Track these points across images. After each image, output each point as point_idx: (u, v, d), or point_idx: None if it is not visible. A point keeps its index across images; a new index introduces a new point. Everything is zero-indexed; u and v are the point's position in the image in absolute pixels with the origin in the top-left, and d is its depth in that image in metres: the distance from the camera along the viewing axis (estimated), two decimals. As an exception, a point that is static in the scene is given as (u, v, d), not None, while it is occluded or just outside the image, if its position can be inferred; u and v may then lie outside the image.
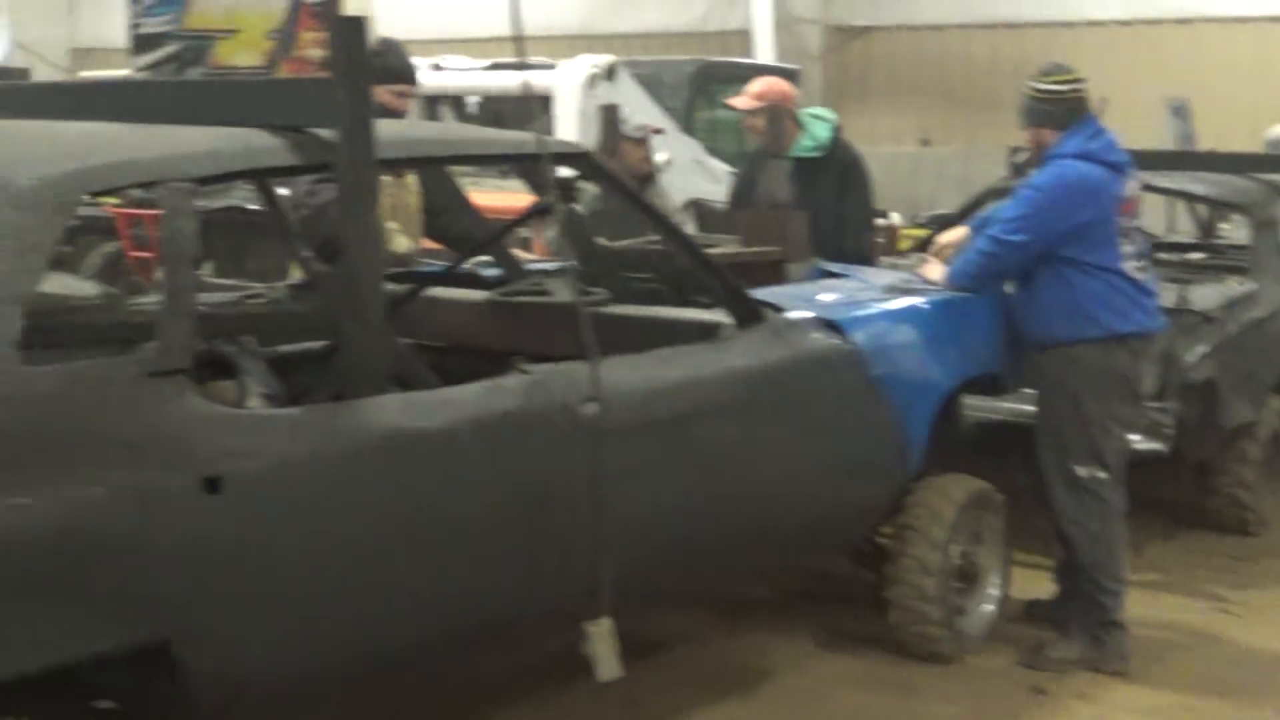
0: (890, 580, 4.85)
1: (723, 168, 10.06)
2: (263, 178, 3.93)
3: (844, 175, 6.29)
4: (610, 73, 9.26)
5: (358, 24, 3.25)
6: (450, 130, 4.51)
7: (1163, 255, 7.10)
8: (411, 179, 5.57)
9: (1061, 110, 4.98)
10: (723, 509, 4.03)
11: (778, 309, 4.42)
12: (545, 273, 4.89)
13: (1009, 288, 5.11)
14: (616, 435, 3.62)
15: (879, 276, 5.43)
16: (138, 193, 9.84)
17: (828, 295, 4.92)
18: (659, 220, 4.22)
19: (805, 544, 4.60)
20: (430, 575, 3.33)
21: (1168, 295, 5.68)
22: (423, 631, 3.36)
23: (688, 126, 9.95)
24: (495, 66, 10.90)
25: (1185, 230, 9.04)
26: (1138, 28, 16.28)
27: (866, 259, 6.11)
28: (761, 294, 4.48)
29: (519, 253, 5.52)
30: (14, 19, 18.42)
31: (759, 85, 6.43)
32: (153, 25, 5.21)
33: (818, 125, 6.30)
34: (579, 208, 5.31)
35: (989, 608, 5.12)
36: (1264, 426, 6.44)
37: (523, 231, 6.44)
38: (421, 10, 17.09)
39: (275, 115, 3.41)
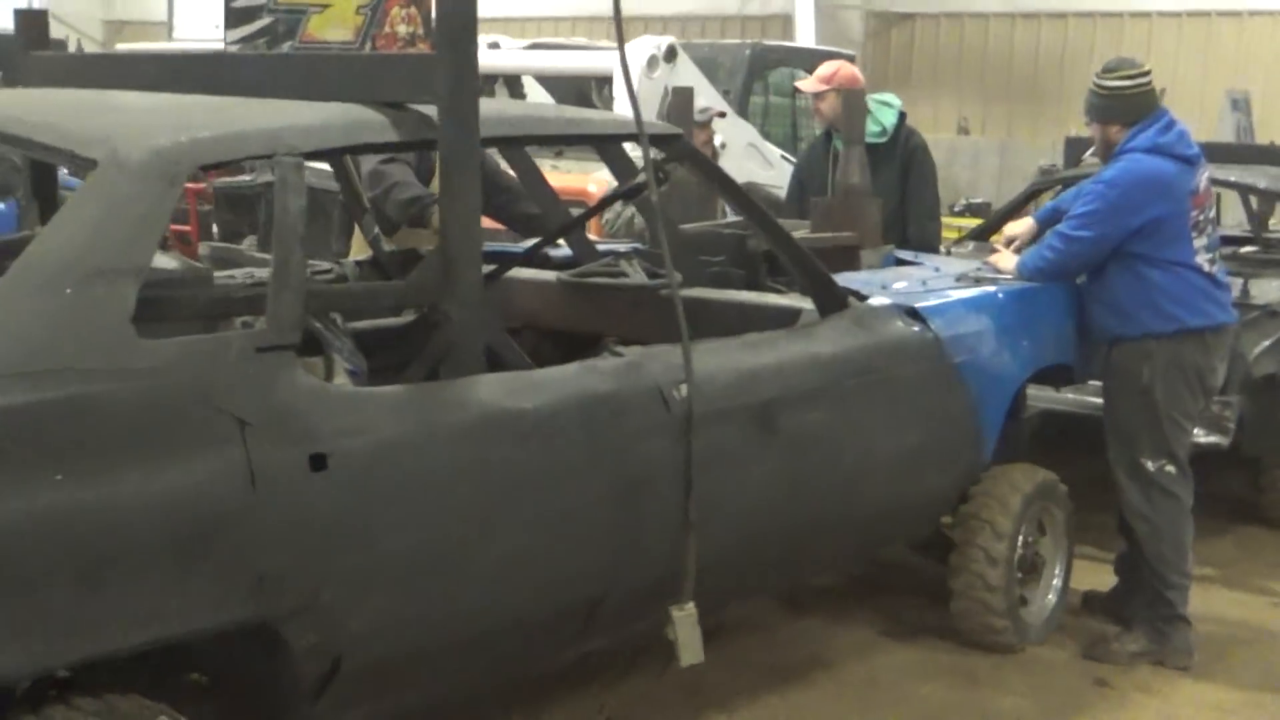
0: (955, 570, 4.84)
1: (776, 152, 10.03)
2: (365, 153, 3.92)
3: (909, 162, 6.27)
4: (670, 54, 9.22)
5: (465, 1, 3.24)
6: (548, 110, 4.48)
7: (1217, 249, 7.06)
8: None
9: (1129, 105, 4.95)
10: (805, 497, 4.02)
11: (861, 296, 4.41)
12: (618, 254, 4.88)
13: (1080, 279, 5.10)
14: (705, 420, 3.62)
15: (950, 265, 5.42)
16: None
17: (902, 283, 4.91)
18: (748, 204, 4.21)
19: (881, 533, 4.59)
20: (522, 555, 3.33)
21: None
22: (512, 611, 3.36)
23: (742, 110, 9.92)
24: (534, 46, 10.89)
25: (1234, 224, 8.99)
26: (1184, 19, 16.19)
27: (931, 246, 6.10)
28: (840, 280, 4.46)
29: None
30: (49, -9, 18.48)
31: (827, 69, 6.41)
32: (246, -1, 5.21)
33: (884, 111, 6.28)
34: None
35: (1051, 599, 5.11)
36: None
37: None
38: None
39: (379, 91, 3.40)
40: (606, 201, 4.63)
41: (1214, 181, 5.32)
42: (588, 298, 4.66)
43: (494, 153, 4.93)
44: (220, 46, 5.42)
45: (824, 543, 4.28)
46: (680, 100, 6.20)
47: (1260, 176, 7.11)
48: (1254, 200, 7.89)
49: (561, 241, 4.97)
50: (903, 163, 6.25)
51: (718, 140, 8.47)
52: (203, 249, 7.60)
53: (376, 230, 5.01)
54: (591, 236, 5.95)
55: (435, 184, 5.34)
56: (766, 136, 10.06)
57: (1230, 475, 6.45)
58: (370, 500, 3.04)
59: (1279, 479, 6.45)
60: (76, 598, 2.64)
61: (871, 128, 6.20)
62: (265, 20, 4.93)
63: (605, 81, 9.49)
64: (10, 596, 2.56)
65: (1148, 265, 4.88)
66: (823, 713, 4.50)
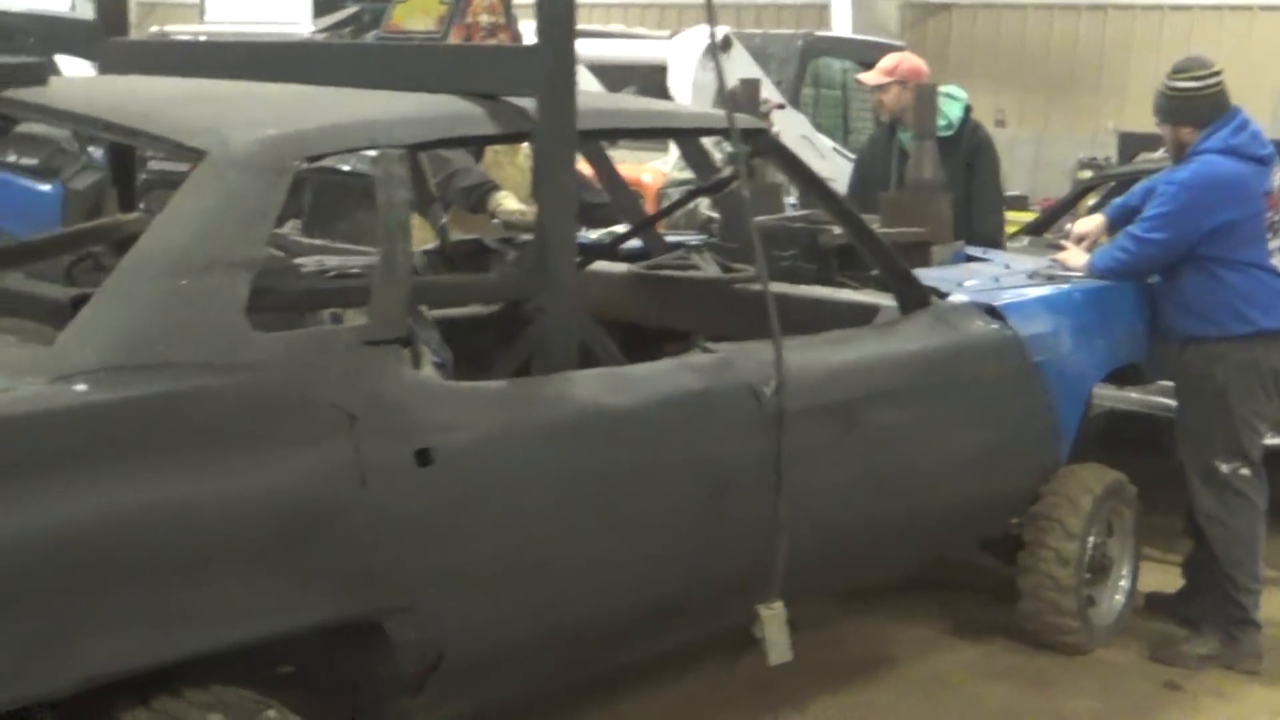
0: (1024, 569, 4.80)
1: (827, 143, 9.98)
2: (465, 145, 3.90)
3: (974, 156, 6.22)
4: (726, 44, 9.17)
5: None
6: (638, 103, 4.45)
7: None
8: (524, 149, 5.56)
9: (1200, 106, 4.89)
10: (887, 495, 4.00)
11: (940, 293, 4.38)
12: (689, 247, 4.85)
13: (1153, 278, 5.05)
14: (794, 417, 3.59)
15: (1021, 261, 5.37)
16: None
17: (975, 280, 4.88)
18: (832, 199, 4.17)
19: (958, 531, 4.57)
20: (615, 552, 3.32)
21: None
22: (603, 608, 3.35)
23: (794, 101, 9.87)
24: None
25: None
26: (1226, 13, 16.08)
27: (995, 242, 6.05)
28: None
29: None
30: (80, -29, 18.43)
31: (889, 61, 6.37)
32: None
33: (949, 104, 6.23)
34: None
35: (1119, 600, 5.08)
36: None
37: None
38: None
39: (476, 82, 3.37)
40: (693, 195, 4.60)
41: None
42: (659, 291, 4.63)
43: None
44: (254, 31, 5.39)
45: (903, 541, 4.25)
46: (748, 91, 6.17)
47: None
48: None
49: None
50: (968, 157, 6.20)
51: (775, 132, 8.42)
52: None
53: (444, 220, 5.00)
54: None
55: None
56: (817, 128, 10.02)
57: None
58: (472, 496, 3.02)
59: None
60: (186, 591, 2.62)
61: (937, 120, 6.14)
62: (352, 9, 4.90)
63: (658, 70, 9.44)
64: (122, 588, 2.55)
65: (1223, 267, 4.84)
66: (892, 711, 4.47)
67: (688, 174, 7.15)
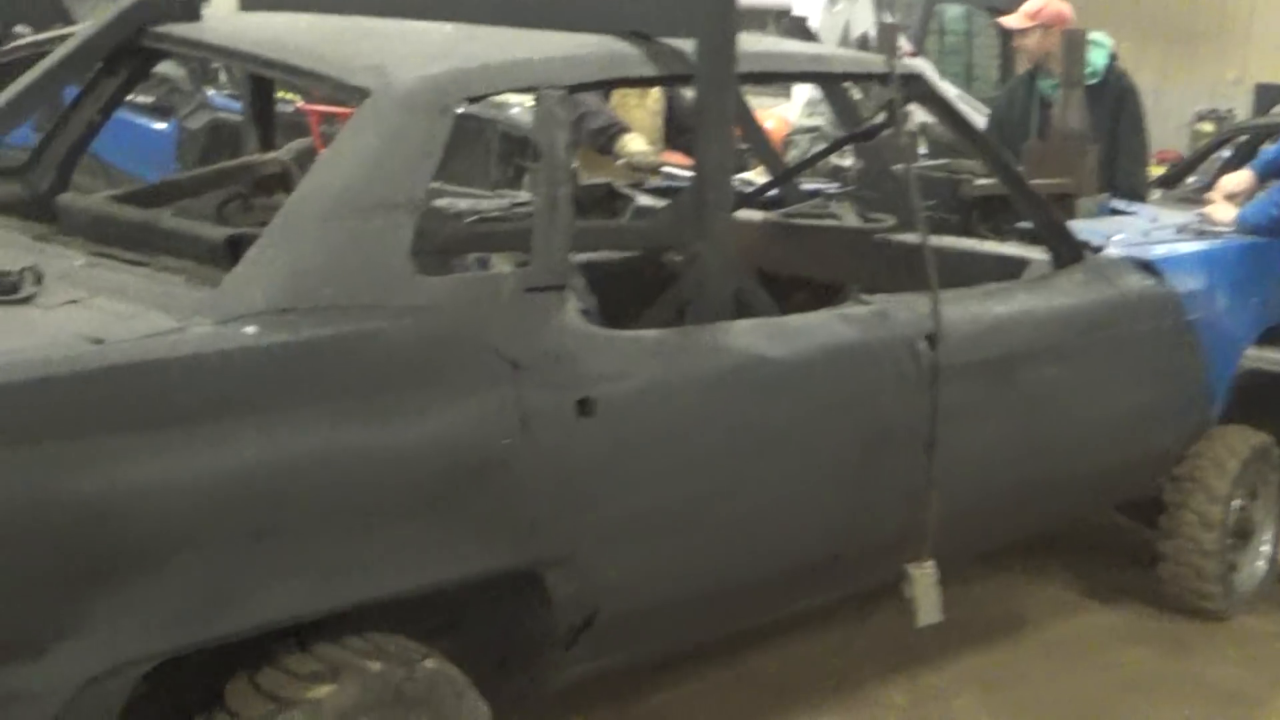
0: (1166, 533, 4.68)
1: (953, 91, 9.77)
2: (624, 87, 3.81)
3: (1119, 105, 6.04)
4: (852, -12, 8.99)
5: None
6: (793, 47, 4.33)
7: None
8: (654, 92, 5.47)
9: None
10: (1042, 453, 3.89)
11: (1094, 247, 4.24)
12: (827, 195, 4.74)
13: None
14: (949, 372, 3.49)
15: (1168, 215, 5.21)
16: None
17: (1124, 233, 4.72)
18: (986, 147, 4.04)
19: (1108, 490, 4.46)
20: (768, 507, 3.24)
21: None
22: (760, 564, 3.28)
23: (920, 47, 9.68)
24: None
25: None
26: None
27: (1139, 195, 5.87)
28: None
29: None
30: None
31: (1033, 4, 6.18)
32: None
33: (1094, 51, 6.03)
34: None
35: (1260, 565, 4.93)
36: None
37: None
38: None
39: (635, 23, 3.28)
40: (843, 142, 4.49)
41: None
42: (796, 240, 4.52)
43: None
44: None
45: (1054, 500, 4.14)
46: (887, 36, 6.02)
47: None
48: None
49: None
50: (1113, 106, 6.02)
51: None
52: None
53: (576, 163, 4.92)
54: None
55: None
56: (941, 75, 9.81)
57: None
58: (631, 448, 2.96)
59: None
60: (353, 539, 2.58)
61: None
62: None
63: (783, 14, 9.28)
64: (290, 535, 2.51)
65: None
66: (1030, 673, 4.37)
67: (814, 120, 7.02)
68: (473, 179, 7.41)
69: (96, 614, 2.31)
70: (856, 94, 5.07)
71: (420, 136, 2.79)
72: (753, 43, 3.48)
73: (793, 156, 6.76)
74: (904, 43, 8.33)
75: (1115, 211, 5.23)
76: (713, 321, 3.17)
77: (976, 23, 9.82)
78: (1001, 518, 3.96)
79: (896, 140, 3.61)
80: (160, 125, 10.04)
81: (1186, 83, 15.77)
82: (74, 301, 2.56)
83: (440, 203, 4.23)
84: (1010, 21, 6.26)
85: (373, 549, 2.61)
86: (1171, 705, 4.24)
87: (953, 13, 10.47)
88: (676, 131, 5.78)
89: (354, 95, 2.88)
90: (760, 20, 9.60)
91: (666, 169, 5.22)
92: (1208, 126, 13.65)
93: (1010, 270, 4.09)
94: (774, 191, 4.76)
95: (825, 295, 4.09)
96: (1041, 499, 4.04)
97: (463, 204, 4.19)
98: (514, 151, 8.31)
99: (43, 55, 3.48)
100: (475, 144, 8.49)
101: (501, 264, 3.59)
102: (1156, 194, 6.92)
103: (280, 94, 11.15)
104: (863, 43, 8.43)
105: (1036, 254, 4.18)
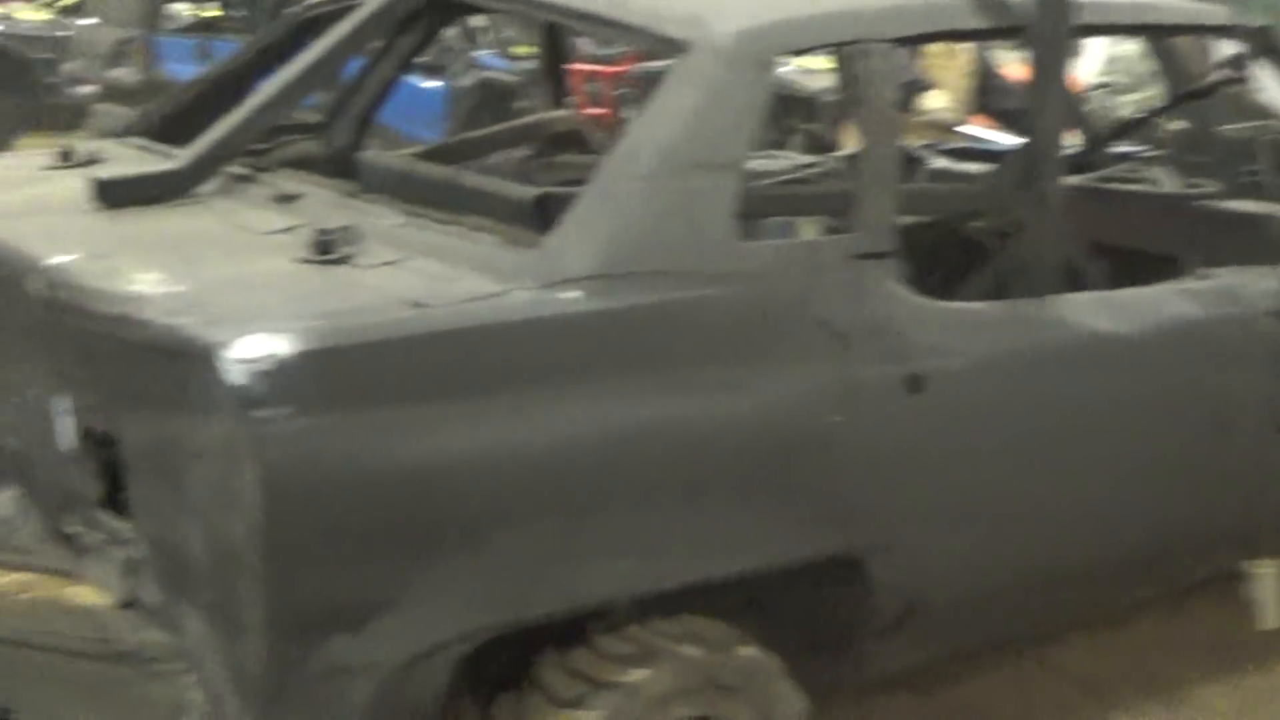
0: None
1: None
2: (950, 41, 3.60)
3: None
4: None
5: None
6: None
7: None
8: (966, 53, 5.22)
9: None
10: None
11: None
12: (1140, 159, 4.41)
13: None
14: None
15: None
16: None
17: None
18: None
19: None
20: (1108, 493, 3.01)
21: None
22: (1092, 553, 3.05)
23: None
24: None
25: None
26: None
27: None
28: None
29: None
30: None
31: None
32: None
33: None
34: None
35: None
36: None
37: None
38: None
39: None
40: (1180, 99, 4.16)
41: None
42: (1112, 206, 4.21)
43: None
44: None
45: None
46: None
47: None
48: None
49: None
50: None
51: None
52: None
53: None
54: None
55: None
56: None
57: None
58: (960, 428, 2.77)
59: None
60: (675, 518, 2.46)
61: None
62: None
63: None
64: (613, 511, 2.40)
65: None
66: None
67: (1111, 78, 6.64)
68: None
69: (419, 589, 2.23)
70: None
71: (742, 93, 2.63)
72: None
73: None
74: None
75: None
76: (1043, 295, 2.94)
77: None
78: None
79: (1236, 99, 3.29)
80: (431, 84, 10.15)
81: None
82: (391, 262, 2.48)
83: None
84: None
85: (693, 530, 2.48)
86: None
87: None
88: (986, 93, 5.53)
89: (670, 48, 2.74)
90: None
91: (965, 130, 4.97)
92: None
93: None
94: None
95: (1138, 265, 3.80)
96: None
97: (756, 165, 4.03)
98: (785, 113, 8.11)
99: (347, 9, 3.43)
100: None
101: (807, 229, 3.42)
102: None
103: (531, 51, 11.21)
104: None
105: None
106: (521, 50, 11.36)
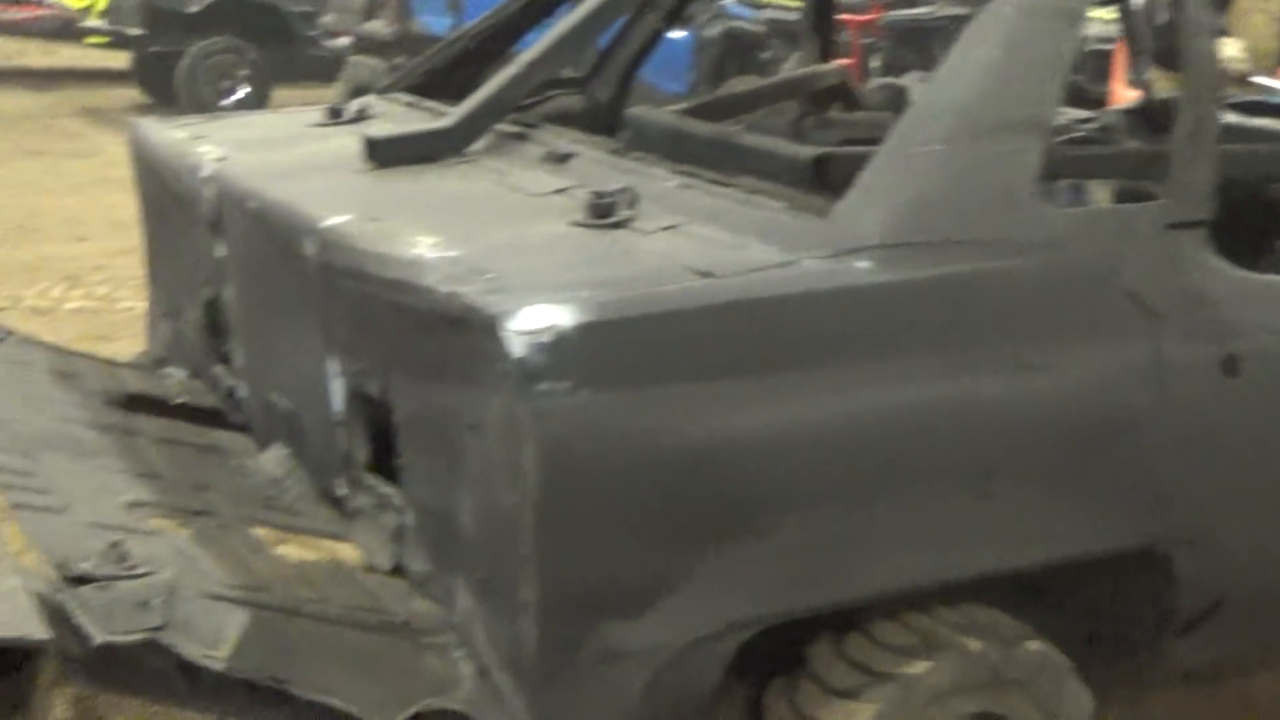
0: None
1: None
2: None
3: None
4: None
5: None
6: None
7: None
8: None
9: None
10: None
11: None
12: None
13: None
14: None
15: None
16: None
17: None
18: None
19: None
20: None
21: None
22: None
23: None
24: None
25: None
26: None
27: None
28: None
29: None
30: None
31: None
32: None
33: None
34: None
35: None
36: None
37: None
38: None
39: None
40: None
41: None
42: None
43: None
44: None
45: None
46: None
47: None
48: None
49: None
50: None
51: None
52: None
53: (1146, 74, 4.41)
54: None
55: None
56: None
57: None
58: (1275, 413, 2.52)
59: None
60: (965, 505, 2.29)
61: None
62: None
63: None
64: (899, 497, 2.24)
65: None
66: None
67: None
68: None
69: (700, 574, 2.12)
70: None
71: (1047, 46, 2.43)
72: None
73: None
74: None
75: None
76: None
77: None
78: None
79: None
80: (677, 34, 10.04)
81: None
82: (671, 227, 2.36)
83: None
84: None
85: (986, 519, 2.31)
86: None
87: None
88: None
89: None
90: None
91: (1261, 82, 4.63)
92: None
93: None
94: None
95: None
96: None
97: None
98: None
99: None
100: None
101: (1099, 192, 3.19)
102: None
103: (784, 2, 11.04)
104: None
105: None
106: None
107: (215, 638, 2.04)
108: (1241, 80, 4.66)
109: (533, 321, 2.00)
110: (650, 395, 2.05)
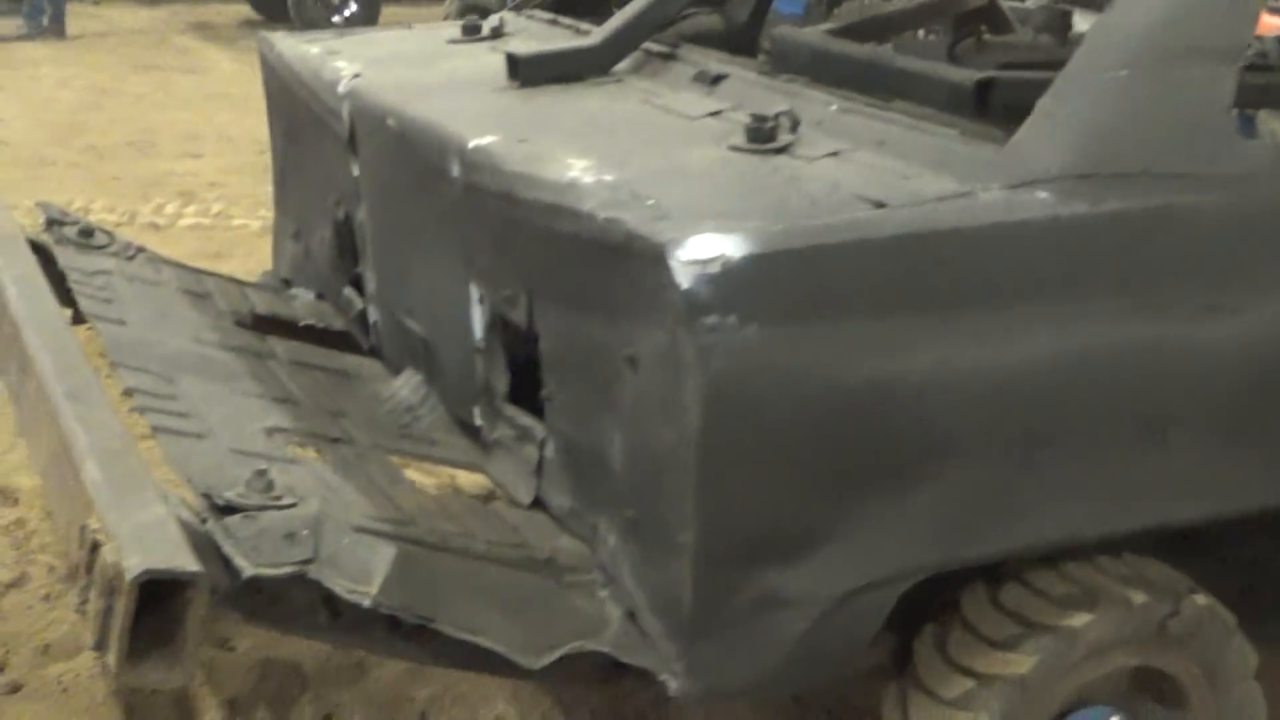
0: None
1: None
2: None
3: None
4: None
5: None
6: None
7: None
8: None
9: None
10: None
11: None
12: None
13: None
14: None
15: None
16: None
17: None
18: None
19: None
20: None
21: None
22: None
23: None
24: None
25: None
26: None
27: None
28: None
29: None
30: None
31: None
32: None
33: None
34: None
35: None
36: None
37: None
38: None
39: None
40: None
41: None
42: None
43: None
44: None
45: None
46: None
47: None
48: None
49: None
50: None
51: None
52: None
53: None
54: None
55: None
56: None
57: None
58: None
59: None
60: (1139, 454, 2.17)
61: None
62: None
63: None
64: (1072, 445, 2.12)
65: None
66: None
67: None
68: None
69: (864, 520, 2.02)
70: None
71: None
72: None
73: None
74: None
75: None
76: None
77: None
78: None
79: None
80: (794, -47, 9.80)
81: None
82: (836, 154, 2.24)
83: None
84: None
85: (1163, 468, 2.20)
86: None
87: None
88: None
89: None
90: None
91: None
92: None
93: None
94: None
95: None
96: None
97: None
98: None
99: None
100: None
101: (1271, 122, 3.02)
102: None
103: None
104: None
105: None
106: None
107: (363, 572, 1.97)
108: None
109: (700, 251, 1.90)
110: (819, 332, 1.94)
